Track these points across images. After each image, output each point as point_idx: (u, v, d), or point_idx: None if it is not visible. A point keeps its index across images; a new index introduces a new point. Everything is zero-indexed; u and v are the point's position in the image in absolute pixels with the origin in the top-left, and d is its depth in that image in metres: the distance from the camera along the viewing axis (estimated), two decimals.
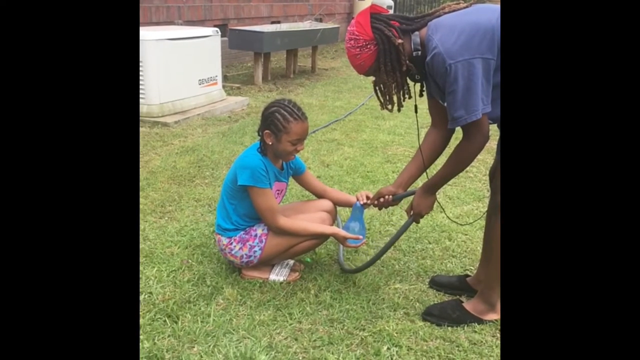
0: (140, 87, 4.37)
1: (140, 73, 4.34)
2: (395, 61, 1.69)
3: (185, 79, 4.74)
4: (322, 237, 2.14)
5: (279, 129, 1.97)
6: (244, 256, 2.09)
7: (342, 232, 2.08)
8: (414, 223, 2.01)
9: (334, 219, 2.27)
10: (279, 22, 7.92)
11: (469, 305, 1.94)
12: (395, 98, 1.81)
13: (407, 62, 1.70)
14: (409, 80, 1.79)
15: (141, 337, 1.75)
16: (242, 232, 2.11)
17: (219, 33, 5.16)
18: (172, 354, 1.69)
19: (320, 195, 2.31)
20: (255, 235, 2.10)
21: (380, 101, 1.84)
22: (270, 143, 2.02)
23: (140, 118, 4.37)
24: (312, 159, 3.68)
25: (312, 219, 2.12)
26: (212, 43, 5.05)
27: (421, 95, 1.87)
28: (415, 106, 1.90)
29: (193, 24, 6.46)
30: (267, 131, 2.00)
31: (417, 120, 1.98)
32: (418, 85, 1.85)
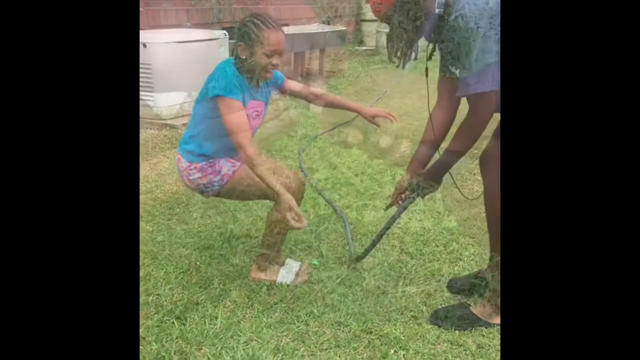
0: (149, 89, 4.40)
1: (149, 76, 4.36)
2: (412, 11, 1.64)
3: (194, 81, 4.76)
4: (275, 199, 1.91)
5: (252, 39, 1.86)
6: (201, 185, 2.02)
7: (292, 203, 1.78)
8: (422, 226, 2.01)
9: (297, 198, 2.06)
10: (286, 25, 7.94)
11: (476, 308, 1.93)
12: (400, 52, 1.74)
13: (424, 18, 1.64)
14: (422, 43, 1.75)
15: (149, 338, 1.77)
16: (205, 162, 1.98)
17: (227, 36, 5.18)
18: (179, 356, 1.70)
19: (310, 97, 2.20)
20: (219, 172, 1.99)
21: (389, 52, 1.77)
22: (243, 57, 1.90)
23: (149, 120, 4.40)
24: (320, 161, 3.69)
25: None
26: (221, 46, 5.07)
27: (429, 58, 1.82)
28: (427, 69, 1.84)
29: (202, 27, 6.49)
30: (240, 44, 1.89)
31: (427, 86, 1.90)
32: (429, 49, 1.81)
